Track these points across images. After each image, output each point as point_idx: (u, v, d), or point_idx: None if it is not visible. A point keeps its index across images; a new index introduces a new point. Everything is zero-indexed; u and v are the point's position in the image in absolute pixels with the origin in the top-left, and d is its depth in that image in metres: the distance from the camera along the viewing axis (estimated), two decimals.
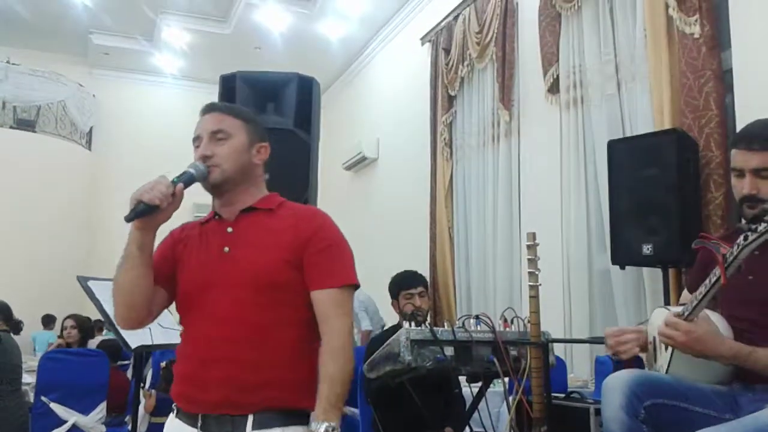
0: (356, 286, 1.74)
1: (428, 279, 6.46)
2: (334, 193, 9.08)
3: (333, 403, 1.58)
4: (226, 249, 1.71)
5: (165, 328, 2.89)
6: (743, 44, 3.71)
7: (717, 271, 1.58)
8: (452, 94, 6.61)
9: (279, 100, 2.69)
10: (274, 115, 2.65)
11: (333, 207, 8.79)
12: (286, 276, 1.66)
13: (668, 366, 1.83)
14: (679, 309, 1.78)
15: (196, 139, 1.78)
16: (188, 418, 1.67)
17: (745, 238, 1.52)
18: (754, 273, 1.82)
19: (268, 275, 1.66)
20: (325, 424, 1.56)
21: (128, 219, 1.62)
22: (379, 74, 8.79)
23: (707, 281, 1.64)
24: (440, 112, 6.72)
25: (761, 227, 1.48)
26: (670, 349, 1.83)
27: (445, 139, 6.65)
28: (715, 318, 1.80)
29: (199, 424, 1.64)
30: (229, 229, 1.74)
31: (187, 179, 1.69)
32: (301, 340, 1.68)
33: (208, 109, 1.82)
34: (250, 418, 1.61)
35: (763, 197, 1.82)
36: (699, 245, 1.61)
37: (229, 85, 2.71)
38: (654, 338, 1.98)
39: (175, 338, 2.87)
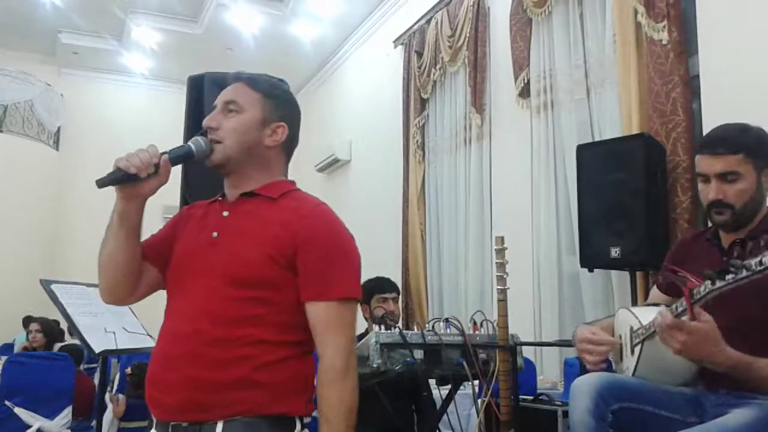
0: (358, 300, 1.56)
1: (400, 281, 6.48)
2: None
3: None
4: (215, 234, 1.56)
5: (130, 333, 2.84)
6: (710, 50, 3.77)
7: (683, 302, 1.58)
8: (425, 97, 6.63)
9: None
10: None
11: None
12: (269, 274, 1.48)
13: (635, 368, 1.85)
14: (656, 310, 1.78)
15: (214, 109, 1.63)
16: (161, 428, 1.51)
17: (713, 283, 1.53)
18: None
19: (247, 270, 1.48)
20: None
21: (99, 184, 1.47)
22: (351, 76, 8.77)
23: (677, 304, 1.64)
24: (413, 115, 6.73)
25: (729, 277, 1.49)
26: (637, 351, 1.85)
27: (417, 141, 6.66)
28: None
29: None
30: (225, 213, 1.59)
31: (181, 153, 1.54)
32: (283, 342, 1.49)
33: (234, 78, 1.67)
34: (219, 425, 1.43)
35: (729, 202, 1.83)
36: (668, 279, 1.61)
37: (197, 85, 2.66)
38: (620, 336, 2.00)
39: (140, 342, 2.83)
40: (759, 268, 1.43)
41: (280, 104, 1.65)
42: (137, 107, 10.70)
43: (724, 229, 1.91)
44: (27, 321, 8.82)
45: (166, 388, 1.48)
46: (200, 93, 2.68)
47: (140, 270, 1.61)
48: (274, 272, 1.49)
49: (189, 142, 1.57)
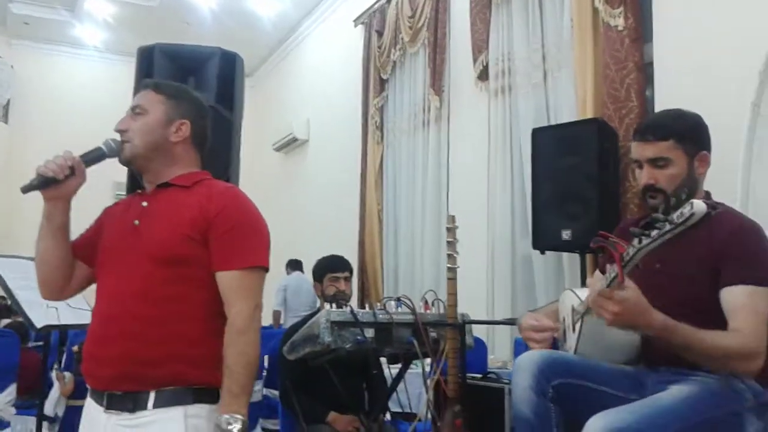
0: (265, 269, 1.71)
1: (356, 261, 6.49)
2: (263, 175, 8.96)
3: (235, 393, 1.58)
4: (136, 222, 1.72)
5: (74, 308, 2.78)
6: (664, 37, 3.83)
7: (615, 268, 1.61)
8: (384, 77, 6.60)
9: (200, 74, 2.59)
10: (195, 90, 2.55)
11: (262, 188, 8.74)
12: (188, 252, 1.65)
13: (576, 346, 1.88)
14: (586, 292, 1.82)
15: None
16: (96, 396, 1.67)
17: (639, 241, 1.56)
18: (662, 261, 1.87)
19: (167, 249, 1.65)
20: (225, 417, 1.56)
21: (23, 190, 1.67)
22: (311, 54, 8.69)
23: (607, 274, 1.67)
24: (372, 95, 6.71)
25: (653, 233, 1.52)
26: (578, 329, 1.88)
27: (376, 122, 6.64)
28: None
29: (104, 403, 1.63)
30: (144, 203, 1.75)
31: (95, 155, 1.72)
32: (209, 317, 1.66)
33: (141, 85, 1.85)
34: (152, 395, 1.59)
35: (660, 187, 1.87)
36: (597, 243, 1.62)
37: (147, 57, 2.60)
38: (564, 318, 2.03)
39: (84, 318, 2.78)
40: (681, 220, 1.46)
41: (182, 103, 1.80)
42: (90, 80, 10.43)
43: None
44: None
45: (102, 362, 1.63)
46: (150, 65, 2.62)
47: (71, 267, 1.78)
48: (192, 250, 1.65)
49: (101, 144, 1.74)
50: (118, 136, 1.76)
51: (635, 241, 1.56)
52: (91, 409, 1.68)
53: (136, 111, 1.76)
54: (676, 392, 1.72)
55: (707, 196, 1.95)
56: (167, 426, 1.59)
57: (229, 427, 1.54)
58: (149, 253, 1.65)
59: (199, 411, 1.61)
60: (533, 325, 2.01)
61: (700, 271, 1.81)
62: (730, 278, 1.77)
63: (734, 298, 1.75)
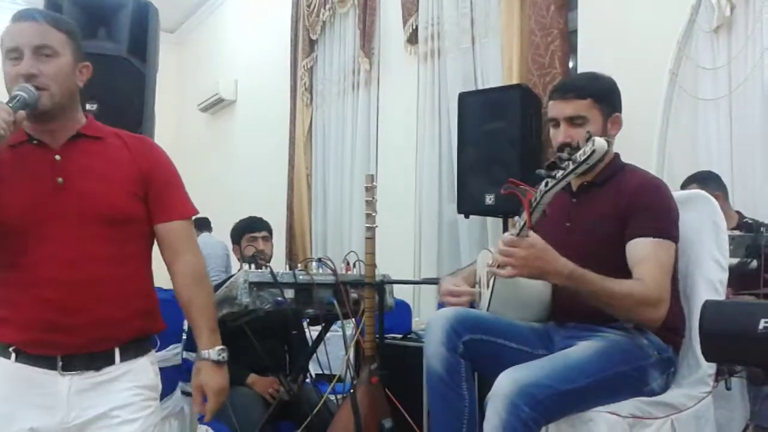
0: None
1: (285, 226, 6.43)
2: (188, 136, 8.74)
3: (213, 328, 1.70)
4: (60, 180, 1.58)
5: None
6: (588, 5, 3.88)
7: (524, 214, 1.63)
8: (314, 38, 6.48)
9: (111, 24, 2.48)
10: (106, 40, 2.44)
11: (187, 150, 8.45)
12: (137, 209, 1.67)
13: (489, 304, 1.92)
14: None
15: (13, 51, 1.55)
16: (43, 360, 1.57)
17: (546, 184, 1.58)
18: (571, 220, 1.92)
19: (119, 210, 1.64)
20: (217, 348, 1.68)
21: None
22: (238, 11, 8.42)
23: (517, 223, 1.70)
24: (301, 56, 6.57)
25: (558, 174, 1.54)
26: (490, 288, 1.91)
27: (305, 84, 6.53)
28: None
29: (59, 365, 1.57)
30: (57, 157, 1.60)
31: (22, 105, 1.50)
32: (150, 270, 1.75)
33: (29, 16, 1.59)
34: (117, 350, 1.63)
35: (576, 145, 1.91)
36: (508, 190, 1.64)
37: (55, 6, 2.48)
38: (480, 278, 2.07)
39: None
40: (583, 158, 1.49)
41: (80, 43, 1.69)
42: None
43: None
44: None
45: (70, 330, 1.56)
46: (59, 13, 2.49)
47: None
48: (140, 207, 1.68)
49: (18, 92, 1.51)
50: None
51: (541, 185, 1.58)
52: (37, 374, 1.56)
53: (45, 52, 1.55)
54: (583, 348, 1.78)
55: (617, 158, 2.01)
56: (140, 374, 1.66)
57: (219, 357, 1.67)
58: (97, 215, 1.60)
59: (153, 358, 1.73)
60: (450, 290, 2.06)
61: (607, 226, 1.87)
62: (635, 231, 1.84)
63: (639, 249, 1.82)
